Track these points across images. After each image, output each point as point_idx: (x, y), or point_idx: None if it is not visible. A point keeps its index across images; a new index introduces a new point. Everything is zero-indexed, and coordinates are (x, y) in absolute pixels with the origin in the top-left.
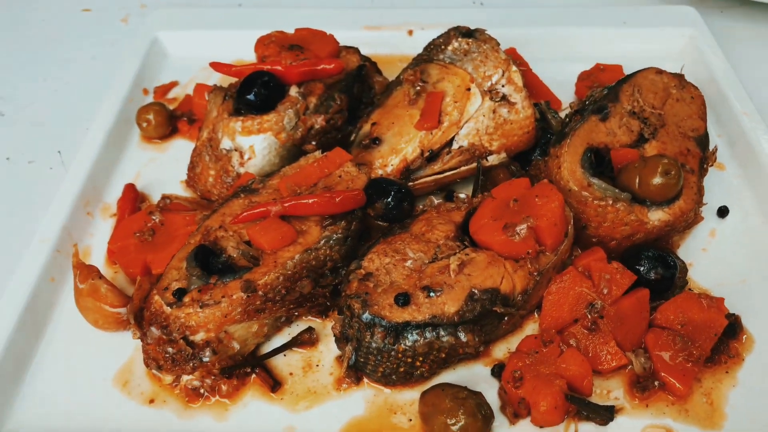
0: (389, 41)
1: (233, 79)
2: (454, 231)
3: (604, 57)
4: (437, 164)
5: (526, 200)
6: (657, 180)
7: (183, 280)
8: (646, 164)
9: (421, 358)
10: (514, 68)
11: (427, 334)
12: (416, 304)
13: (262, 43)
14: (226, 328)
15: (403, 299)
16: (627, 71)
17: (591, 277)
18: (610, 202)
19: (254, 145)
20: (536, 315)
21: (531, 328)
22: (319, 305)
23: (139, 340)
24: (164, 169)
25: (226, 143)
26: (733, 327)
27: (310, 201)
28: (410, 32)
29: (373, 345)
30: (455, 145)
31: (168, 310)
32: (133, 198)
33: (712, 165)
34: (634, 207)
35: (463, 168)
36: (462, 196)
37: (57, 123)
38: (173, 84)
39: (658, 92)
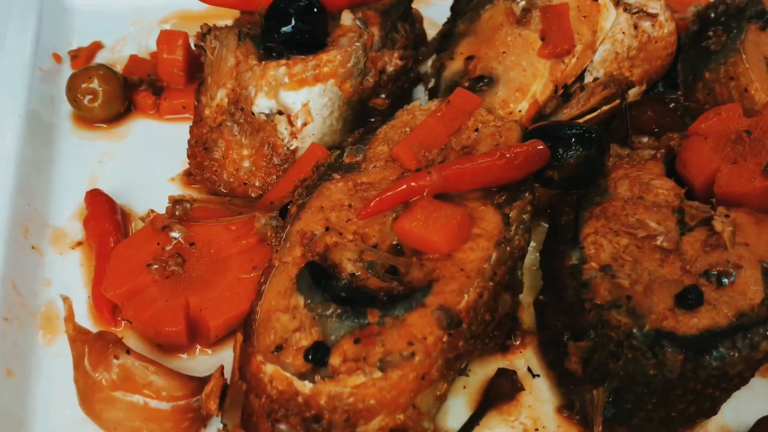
0: None
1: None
2: (680, 187)
3: None
4: (573, 105)
5: (764, 130)
6: None
7: (310, 328)
8: None
9: (723, 385)
10: None
11: (740, 345)
12: (709, 301)
13: None
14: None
15: (695, 297)
16: None
17: None
18: None
19: (310, 101)
20: None
21: None
22: (497, 335)
23: None
24: (134, 165)
25: (263, 104)
26: None
27: (483, 164)
28: None
29: (660, 378)
30: (588, 78)
31: (308, 386)
32: (109, 212)
33: None
34: None
35: (605, 107)
36: (644, 139)
37: None
38: (97, 46)
39: None
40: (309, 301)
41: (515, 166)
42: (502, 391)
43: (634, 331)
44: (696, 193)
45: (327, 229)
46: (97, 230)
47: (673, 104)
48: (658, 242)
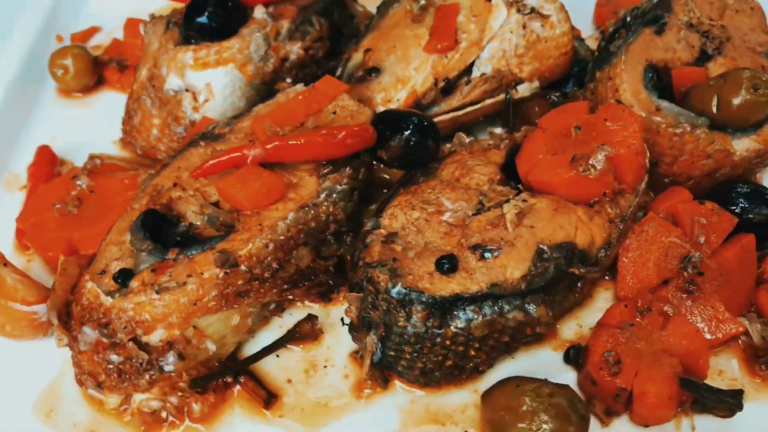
0: None
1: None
2: (498, 173)
3: None
4: (455, 97)
5: (593, 127)
6: (743, 98)
7: (128, 258)
8: (725, 80)
9: (477, 345)
10: None
11: (486, 311)
12: (467, 270)
13: None
14: (195, 321)
15: (449, 264)
16: None
17: (679, 224)
18: (688, 129)
19: (212, 82)
20: (607, 279)
21: (603, 297)
22: (320, 284)
23: (68, 348)
24: (91, 128)
25: (173, 82)
26: None
27: (302, 140)
28: None
29: (410, 330)
30: (476, 72)
31: (108, 300)
32: (49, 163)
33: None
34: (716, 135)
35: (488, 101)
36: (498, 131)
37: None
38: (94, 30)
39: (714, 2)
40: (133, 238)
41: (336, 144)
42: (302, 332)
43: (389, 286)
44: (523, 181)
45: (175, 184)
46: (33, 176)
47: (551, 101)
48: (445, 218)
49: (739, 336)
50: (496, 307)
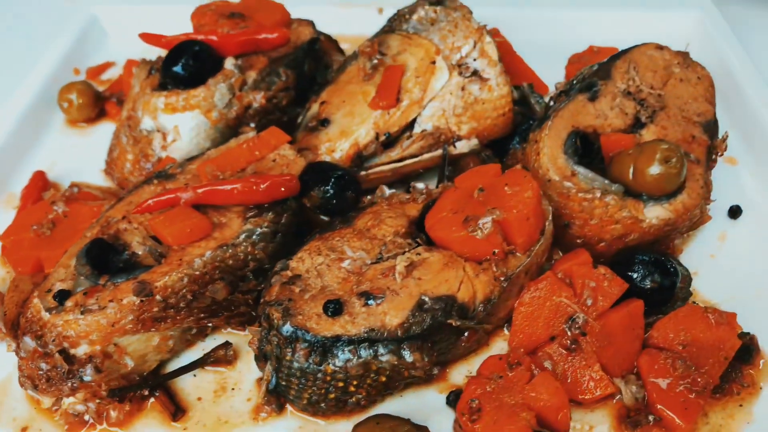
0: (358, 20)
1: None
2: (406, 227)
3: (598, 41)
4: (395, 150)
5: (495, 190)
6: (654, 169)
7: (69, 281)
8: (641, 151)
9: (355, 382)
10: (487, 39)
11: (362, 353)
12: (350, 314)
13: (200, 11)
14: (115, 340)
15: (334, 308)
16: None
17: (572, 285)
18: (598, 195)
19: (179, 125)
20: (506, 331)
21: (499, 347)
22: (240, 315)
23: (15, 353)
24: (86, 156)
25: (146, 123)
26: (748, 349)
27: (229, 187)
28: (380, 10)
29: (295, 365)
30: (417, 129)
31: (45, 316)
32: (40, 187)
33: (721, 155)
34: (627, 201)
35: (426, 155)
36: (420, 186)
37: None
38: (108, 65)
39: (657, 70)
40: (77, 263)
41: (260, 192)
42: (216, 357)
43: (280, 324)
44: (428, 235)
45: (123, 217)
46: (24, 198)
47: (482, 158)
48: (344, 264)
49: (614, 396)
50: (371, 350)
